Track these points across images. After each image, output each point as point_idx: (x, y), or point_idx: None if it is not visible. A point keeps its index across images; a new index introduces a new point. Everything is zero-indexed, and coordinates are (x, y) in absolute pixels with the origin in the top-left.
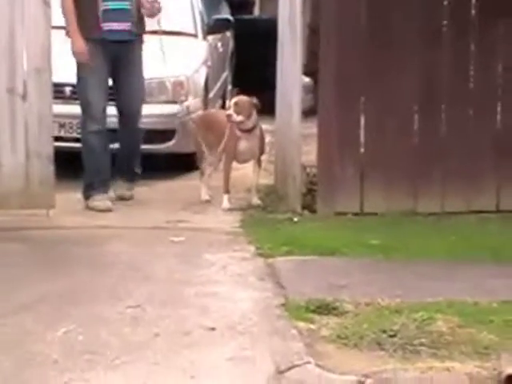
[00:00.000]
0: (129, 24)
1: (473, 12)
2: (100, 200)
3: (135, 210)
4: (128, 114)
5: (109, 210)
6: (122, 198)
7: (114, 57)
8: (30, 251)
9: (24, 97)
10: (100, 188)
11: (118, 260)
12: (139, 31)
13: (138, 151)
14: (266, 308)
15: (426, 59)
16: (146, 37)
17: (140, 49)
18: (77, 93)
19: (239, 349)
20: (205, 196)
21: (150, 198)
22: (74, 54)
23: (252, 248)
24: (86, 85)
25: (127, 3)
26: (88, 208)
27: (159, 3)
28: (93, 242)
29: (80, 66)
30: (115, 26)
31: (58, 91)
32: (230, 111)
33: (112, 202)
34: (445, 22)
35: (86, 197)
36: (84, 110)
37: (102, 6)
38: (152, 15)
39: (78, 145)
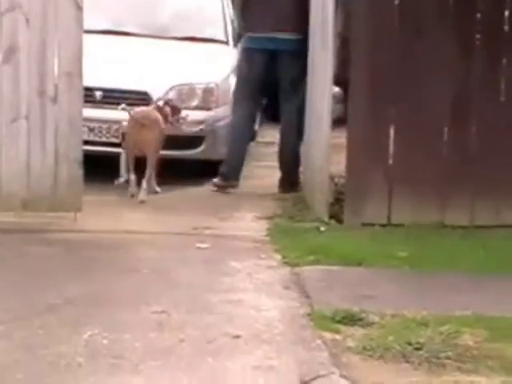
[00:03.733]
0: None
1: (505, 25)
2: None
3: (162, 216)
4: None
5: None
6: None
7: None
8: (56, 254)
9: (54, 100)
10: None
11: (143, 265)
12: None
13: None
14: (292, 317)
15: (457, 72)
16: (177, 43)
17: None
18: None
19: (264, 358)
20: None
21: (177, 203)
22: None
23: (278, 256)
24: None
25: None
26: None
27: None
28: (118, 247)
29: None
30: None
31: (88, 95)
32: None
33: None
34: (477, 35)
35: None
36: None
37: None
38: None
39: (106, 149)
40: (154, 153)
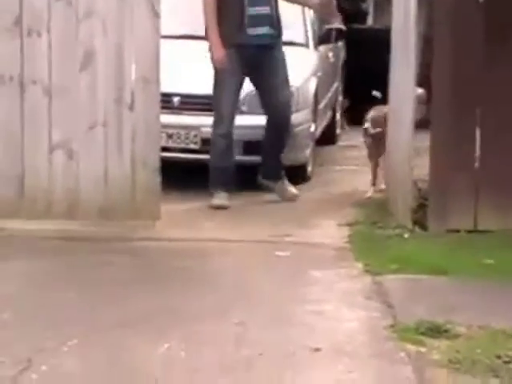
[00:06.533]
0: (270, 28)
1: None
2: (216, 198)
3: (241, 223)
4: (276, 119)
5: (223, 208)
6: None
7: (256, 62)
8: (134, 263)
9: (131, 107)
10: (218, 187)
11: (222, 275)
12: (279, 34)
13: (281, 157)
14: (374, 329)
15: None
16: None
17: (281, 51)
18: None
19: (345, 371)
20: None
21: (256, 210)
22: (213, 60)
23: (360, 265)
24: (219, 89)
25: (268, 8)
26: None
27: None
28: (197, 256)
29: (217, 71)
30: (259, 30)
31: (166, 101)
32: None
33: (229, 201)
34: None
35: (211, 194)
36: (215, 113)
37: (248, 12)
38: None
39: (185, 155)
40: None
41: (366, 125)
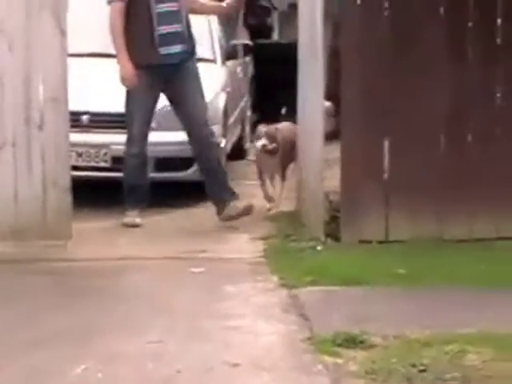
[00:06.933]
0: (183, 45)
1: (498, 33)
2: (129, 216)
3: (154, 240)
4: (197, 133)
5: (135, 226)
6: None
7: (169, 79)
8: (47, 284)
9: (40, 126)
10: (131, 205)
11: (137, 292)
12: (192, 51)
13: (221, 168)
14: (291, 342)
15: (452, 80)
16: None
17: (194, 65)
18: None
19: None
20: None
21: (170, 226)
22: (122, 79)
23: (275, 278)
24: (131, 108)
25: (179, 26)
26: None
27: None
28: (111, 274)
29: (129, 90)
30: (171, 49)
31: (75, 120)
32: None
33: (141, 219)
34: (470, 43)
35: (123, 212)
36: (128, 132)
37: (158, 31)
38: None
39: (95, 173)
40: None
41: (263, 141)
